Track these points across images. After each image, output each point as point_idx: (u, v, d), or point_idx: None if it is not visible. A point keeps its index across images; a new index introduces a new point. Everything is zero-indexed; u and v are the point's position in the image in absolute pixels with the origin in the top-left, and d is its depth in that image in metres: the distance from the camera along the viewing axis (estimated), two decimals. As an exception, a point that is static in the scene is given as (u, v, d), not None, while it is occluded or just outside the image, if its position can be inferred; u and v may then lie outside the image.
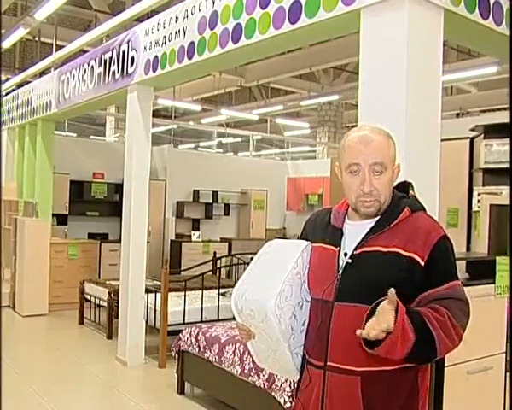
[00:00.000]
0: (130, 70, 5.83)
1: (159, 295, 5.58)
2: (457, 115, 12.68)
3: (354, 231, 1.69)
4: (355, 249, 1.66)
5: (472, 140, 5.08)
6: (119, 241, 6.14)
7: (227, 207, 11.55)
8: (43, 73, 9.43)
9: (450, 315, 1.54)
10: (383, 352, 1.48)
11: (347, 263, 1.66)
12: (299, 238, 1.86)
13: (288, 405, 3.40)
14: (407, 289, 1.57)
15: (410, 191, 1.74)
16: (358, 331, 1.46)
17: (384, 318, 1.44)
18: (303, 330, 1.74)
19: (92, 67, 6.66)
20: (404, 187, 1.76)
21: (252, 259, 1.87)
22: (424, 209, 1.72)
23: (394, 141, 1.69)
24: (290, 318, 1.69)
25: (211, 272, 7.32)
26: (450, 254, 1.65)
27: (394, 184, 1.76)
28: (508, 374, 3.09)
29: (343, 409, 1.62)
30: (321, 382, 1.67)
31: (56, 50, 8.55)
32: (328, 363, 1.65)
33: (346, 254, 1.67)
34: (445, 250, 1.63)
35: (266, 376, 3.68)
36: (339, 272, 1.66)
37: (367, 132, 1.66)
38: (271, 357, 1.77)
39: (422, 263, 1.58)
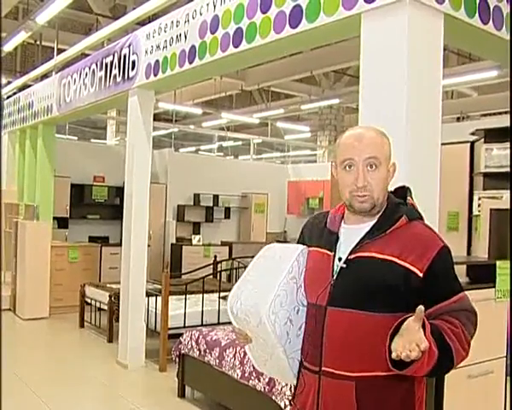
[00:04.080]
0: (131, 74, 5.84)
1: (159, 298, 5.58)
2: (458, 119, 12.68)
3: (350, 236, 1.68)
4: (349, 254, 1.65)
5: (472, 144, 5.08)
6: (120, 244, 6.15)
7: (228, 210, 11.55)
8: (44, 76, 9.44)
9: (462, 326, 1.56)
10: (412, 371, 1.47)
11: (341, 268, 1.65)
12: (298, 242, 1.86)
13: (289, 409, 3.40)
14: (401, 299, 1.57)
15: (409, 198, 1.72)
16: (394, 354, 1.42)
17: (415, 337, 1.42)
18: (299, 335, 1.73)
19: (93, 70, 6.68)
20: (402, 192, 1.75)
21: (252, 262, 1.87)
22: (422, 218, 1.71)
23: (389, 140, 1.69)
24: (285, 323, 1.69)
25: (211, 276, 7.32)
26: (452, 265, 1.64)
27: (392, 189, 1.76)
28: (508, 378, 3.09)
29: None
30: (316, 387, 1.66)
31: (57, 54, 8.56)
32: (323, 368, 1.64)
33: (340, 259, 1.66)
34: (447, 262, 1.62)
35: (267, 380, 3.68)
36: (333, 276, 1.65)
37: (361, 130, 1.69)
38: (269, 361, 1.78)
39: (421, 275, 1.56)
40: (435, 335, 1.49)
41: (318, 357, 1.65)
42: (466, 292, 1.65)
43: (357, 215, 1.68)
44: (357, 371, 1.58)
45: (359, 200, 1.63)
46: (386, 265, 1.59)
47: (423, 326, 1.44)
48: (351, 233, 1.69)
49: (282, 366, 1.75)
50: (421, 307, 1.43)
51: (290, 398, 3.38)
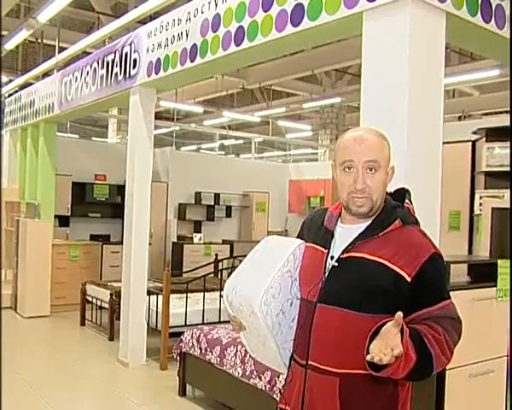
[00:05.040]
0: (132, 72, 5.84)
1: (160, 296, 5.59)
2: (459, 118, 12.67)
3: (344, 235, 1.70)
4: (342, 253, 1.67)
5: (474, 143, 5.07)
6: (121, 242, 6.15)
7: (229, 209, 11.55)
8: (45, 74, 9.44)
9: (445, 333, 1.56)
10: (387, 374, 1.49)
11: (333, 266, 1.67)
12: (297, 237, 1.88)
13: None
14: (389, 301, 1.58)
15: (406, 201, 1.72)
16: (369, 357, 1.44)
17: (391, 341, 1.43)
18: (292, 327, 1.76)
19: (95, 69, 6.68)
20: (401, 195, 1.75)
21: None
22: (417, 223, 1.71)
23: (389, 143, 1.70)
24: (278, 314, 1.71)
25: (212, 274, 7.33)
26: (442, 271, 1.65)
27: (392, 190, 1.77)
28: (509, 377, 3.09)
29: (321, 408, 1.64)
30: (302, 379, 1.69)
31: (59, 52, 8.55)
32: (310, 362, 1.67)
33: (332, 258, 1.68)
34: (437, 268, 1.62)
35: (268, 378, 3.68)
36: (325, 274, 1.67)
37: (362, 132, 1.69)
38: (261, 349, 1.83)
39: (409, 279, 1.57)
40: (416, 340, 1.49)
41: (306, 351, 1.69)
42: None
43: (354, 216, 1.69)
44: (341, 368, 1.61)
45: (357, 203, 1.64)
46: (376, 267, 1.60)
47: (402, 332, 1.46)
48: (346, 233, 1.70)
49: (274, 356, 1.79)
50: (399, 314, 1.44)
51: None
